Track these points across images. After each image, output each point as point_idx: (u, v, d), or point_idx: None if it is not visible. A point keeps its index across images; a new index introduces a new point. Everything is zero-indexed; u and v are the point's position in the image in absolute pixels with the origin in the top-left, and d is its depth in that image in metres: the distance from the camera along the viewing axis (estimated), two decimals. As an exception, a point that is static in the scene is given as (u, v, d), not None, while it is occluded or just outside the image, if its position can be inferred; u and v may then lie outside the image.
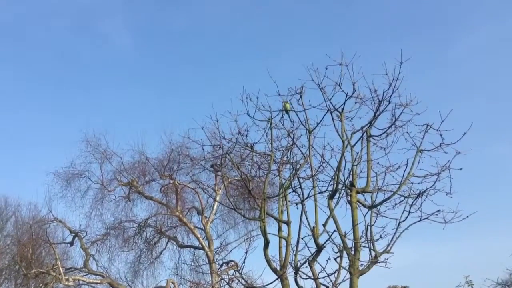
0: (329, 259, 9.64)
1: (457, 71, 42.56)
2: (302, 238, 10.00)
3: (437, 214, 9.47)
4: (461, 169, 9.77)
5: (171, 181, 22.84)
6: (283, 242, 10.24)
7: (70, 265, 24.52)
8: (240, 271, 11.07)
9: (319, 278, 9.66)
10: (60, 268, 21.29)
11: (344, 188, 10.11)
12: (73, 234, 24.22)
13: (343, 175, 10.09)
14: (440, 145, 9.88)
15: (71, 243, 24.58)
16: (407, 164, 9.90)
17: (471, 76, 42.67)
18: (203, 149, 11.85)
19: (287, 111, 10.74)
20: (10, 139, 41.38)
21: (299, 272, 9.85)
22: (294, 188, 10.60)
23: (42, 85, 48.27)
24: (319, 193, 10.34)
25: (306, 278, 9.75)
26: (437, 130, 9.82)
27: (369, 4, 48.83)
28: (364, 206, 10.07)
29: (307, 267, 9.83)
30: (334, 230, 9.70)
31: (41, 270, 22.13)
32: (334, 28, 47.44)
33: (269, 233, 10.25)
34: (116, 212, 24.00)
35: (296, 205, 10.43)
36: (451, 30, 45.40)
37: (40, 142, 43.69)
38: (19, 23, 48.84)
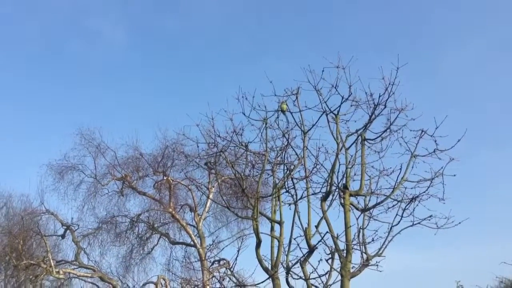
0: (321, 260, 9.70)
1: (449, 80, 42.71)
2: (295, 239, 10.09)
3: (429, 220, 9.55)
4: (454, 175, 9.85)
5: (165, 178, 22.81)
6: (275, 242, 10.28)
7: (61, 257, 24.48)
8: (231, 269, 11.11)
9: (310, 279, 9.71)
10: (51, 261, 21.27)
11: (337, 190, 10.15)
12: (65, 227, 24.15)
13: (337, 177, 10.15)
14: (434, 151, 9.94)
15: (63, 236, 24.51)
16: (401, 169, 9.97)
17: (462, 86, 42.90)
18: (197, 147, 11.88)
19: (283, 112, 10.76)
20: (2, 130, 41.13)
21: (291, 272, 9.90)
22: (287, 189, 10.65)
23: (36, 79, 47.97)
24: (313, 194, 10.40)
25: (297, 279, 9.82)
26: (431, 136, 9.89)
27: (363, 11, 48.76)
28: (357, 209, 10.12)
29: (298, 267, 9.90)
30: (327, 232, 9.75)
31: (31, 261, 22.09)
32: (329, 34, 47.41)
33: (262, 233, 10.30)
34: (109, 206, 23.96)
35: (289, 205, 10.50)
36: (444, 40, 45.56)
37: (33, 134, 43.47)
38: (11, 16, 48.52)
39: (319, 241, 9.74)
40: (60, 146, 24.60)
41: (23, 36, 49.47)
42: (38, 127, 44.49)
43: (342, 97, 10.21)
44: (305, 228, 9.98)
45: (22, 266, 22.17)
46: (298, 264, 9.90)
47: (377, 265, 9.55)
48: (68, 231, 24.05)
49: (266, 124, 10.83)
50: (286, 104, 10.68)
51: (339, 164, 10.18)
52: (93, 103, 43.27)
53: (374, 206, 10.02)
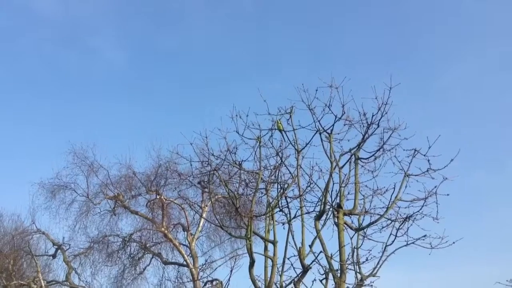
0: (315, 280, 9.63)
1: (443, 100, 42.99)
2: (288, 259, 10.00)
3: (423, 239, 9.51)
4: (447, 194, 9.86)
5: (158, 196, 22.69)
6: (269, 261, 10.20)
7: (51, 278, 24.22)
8: (224, 290, 10.98)
9: (304, 300, 9.61)
10: (42, 281, 21.05)
11: (331, 209, 10.13)
12: (56, 247, 23.91)
13: (331, 197, 10.13)
14: (427, 170, 9.97)
15: (54, 256, 24.24)
16: (394, 188, 9.97)
17: (457, 105, 43.14)
18: (191, 165, 11.79)
19: (280, 130, 10.80)
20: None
21: (284, 293, 9.80)
22: (281, 208, 10.60)
23: (30, 95, 47.90)
24: (306, 213, 10.36)
25: (291, 299, 9.71)
26: (424, 155, 9.93)
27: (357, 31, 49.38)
28: (351, 228, 10.08)
29: (292, 288, 9.80)
30: (320, 251, 9.70)
31: (22, 282, 21.84)
32: (324, 52, 47.87)
33: (255, 252, 10.21)
34: (101, 225, 23.74)
35: (283, 224, 10.43)
36: (439, 60, 46.04)
37: (25, 152, 43.19)
38: (5, 31, 48.59)
39: (313, 261, 9.69)
40: (53, 164, 24.42)
41: (19, 52, 49.53)
42: (31, 145, 44.28)
43: (336, 116, 10.28)
44: (299, 247, 9.91)
45: (12, 286, 21.87)
46: (292, 285, 9.82)
47: (372, 285, 9.49)
48: (59, 250, 23.80)
49: (260, 142, 10.84)
50: (281, 123, 10.73)
51: (333, 183, 10.19)
52: (88, 120, 43.14)
53: (368, 226, 9.99)
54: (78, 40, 51.27)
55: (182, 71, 49.48)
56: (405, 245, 9.66)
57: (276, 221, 10.55)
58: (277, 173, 10.74)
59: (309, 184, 10.48)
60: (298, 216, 10.26)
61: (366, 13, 49.42)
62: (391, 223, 9.87)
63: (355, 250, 9.81)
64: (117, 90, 48.37)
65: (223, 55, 50.20)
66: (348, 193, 10.33)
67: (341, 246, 9.67)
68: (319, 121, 10.37)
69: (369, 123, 10.17)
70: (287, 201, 10.52)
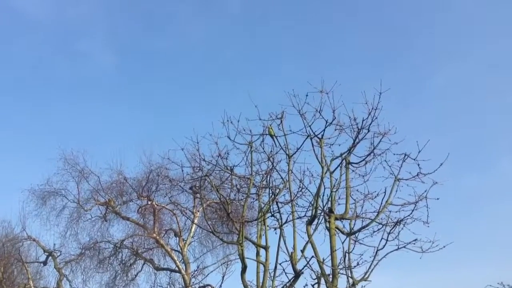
0: (307, 285, 9.65)
1: (434, 103, 43.16)
2: (280, 264, 10.04)
3: (414, 243, 9.58)
4: (437, 198, 9.94)
5: (149, 202, 22.57)
6: (261, 267, 10.20)
7: (42, 285, 24.01)
8: (216, 296, 10.98)
9: (296, 305, 9.62)
10: (32, 288, 20.86)
11: (322, 214, 10.16)
12: (47, 254, 23.70)
13: (322, 201, 10.18)
14: (417, 175, 10.03)
15: (45, 263, 24.03)
16: (385, 192, 10.03)
17: (447, 108, 43.38)
18: (182, 171, 11.80)
19: (271, 136, 10.82)
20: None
21: (276, 298, 9.80)
22: (272, 213, 10.62)
23: (19, 100, 47.53)
24: (298, 218, 10.40)
25: (283, 304, 9.71)
26: (414, 159, 10.00)
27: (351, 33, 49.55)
28: (343, 233, 10.12)
29: (284, 293, 9.80)
30: (312, 256, 9.73)
31: (12, 289, 21.65)
32: (315, 55, 47.94)
33: (247, 258, 10.23)
34: (92, 232, 23.55)
35: (275, 230, 10.45)
36: (428, 62, 46.27)
37: (15, 158, 42.86)
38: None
39: (304, 266, 9.71)
40: (43, 170, 24.26)
41: (9, 56, 49.23)
42: (20, 150, 43.90)
43: (326, 121, 10.33)
44: (291, 252, 9.93)
45: (2, 294, 21.72)
46: (284, 290, 9.83)
47: (363, 290, 9.53)
48: (50, 257, 23.60)
49: (251, 147, 10.86)
50: (272, 128, 10.75)
51: (324, 188, 10.24)
52: (78, 126, 42.87)
53: (359, 230, 10.03)
54: (68, 43, 51.07)
55: (173, 75, 49.34)
56: (396, 249, 9.72)
57: (268, 226, 10.56)
58: (268, 178, 10.77)
59: (300, 189, 10.55)
60: (290, 221, 10.30)
61: (359, 15, 49.69)
62: (382, 227, 9.94)
63: (347, 254, 9.85)
64: (107, 95, 48.12)
65: (217, 58, 50.23)
66: (339, 198, 10.41)
67: (332, 251, 9.70)
68: (310, 126, 10.43)
69: (359, 128, 10.24)
70: (278, 206, 10.55)
